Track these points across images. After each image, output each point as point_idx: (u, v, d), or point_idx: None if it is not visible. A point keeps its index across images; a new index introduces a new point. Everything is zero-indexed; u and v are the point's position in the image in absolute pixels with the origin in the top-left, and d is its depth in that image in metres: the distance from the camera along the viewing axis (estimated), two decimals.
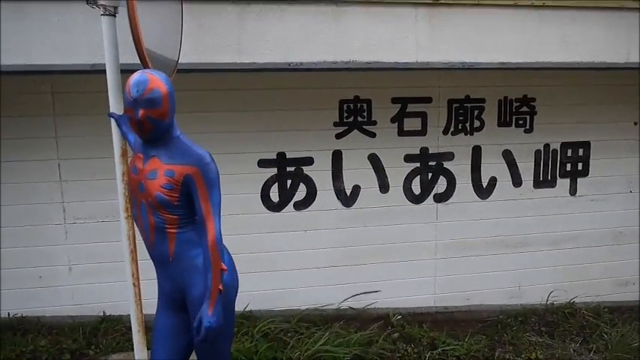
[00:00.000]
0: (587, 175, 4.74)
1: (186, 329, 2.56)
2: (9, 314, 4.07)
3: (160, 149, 2.37)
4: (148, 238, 2.45)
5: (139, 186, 2.37)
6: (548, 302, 4.75)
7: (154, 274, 3.94)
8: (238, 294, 4.23)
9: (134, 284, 3.07)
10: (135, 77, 2.26)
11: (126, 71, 2.83)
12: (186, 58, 3.17)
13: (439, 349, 3.97)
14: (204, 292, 2.38)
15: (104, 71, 2.76)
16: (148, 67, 2.58)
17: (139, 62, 2.53)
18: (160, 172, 2.33)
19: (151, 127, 2.30)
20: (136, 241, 3.06)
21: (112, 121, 2.72)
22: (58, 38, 3.06)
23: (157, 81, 2.28)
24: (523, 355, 3.96)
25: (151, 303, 3.90)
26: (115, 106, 2.81)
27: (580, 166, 4.72)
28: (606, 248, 4.92)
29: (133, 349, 3.19)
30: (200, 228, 2.37)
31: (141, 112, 2.23)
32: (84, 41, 3.04)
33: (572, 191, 4.75)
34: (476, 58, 3.62)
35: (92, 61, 3.06)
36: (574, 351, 4.07)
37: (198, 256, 2.47)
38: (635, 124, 4.72)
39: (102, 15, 2.65)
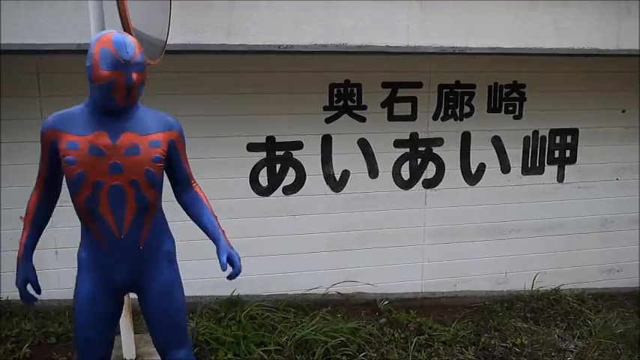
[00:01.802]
0: (575, 162, 4.76)
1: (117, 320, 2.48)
2: None
3: (130, 122, 2.17)
4: (120, 227, 2.19)
5: (112, 168, 2.12)
6: (534, 289, 4.79)
7: None
8: (226, 279, 4.25)
9: None
10: (116, 37, 2.04)
11: None
12: (175, 38, 3.13)
13: (426, 335, 3.99)
14: (219, 241, 2.52)
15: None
16: None
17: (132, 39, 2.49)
18: (143, 145, 2.17)
19: (137, 93, 2.14)
20: None
21: None
22: (44, 18, 3.00)
23: (138, 44, 2.13)
24: (508, 341, 3.99)
25: None
26: None
27: (568, 153, 4.74)
28: (592, 235, 4.95)
29: (119, 332, 3.19)
30: (187, 191, 2.54)
31: (135, 77, 2.06)
32: (70, 21, 2.99)
33: (560, 178, 4.77)
34: (467, 43, 3.61)
35: (78, 40, 3.00)
36: (558, 337, 4.11)
37: (166, 241, 2.48)
38: (624, 111, 4.74)
39: None
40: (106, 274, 2.27)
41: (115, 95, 2.07)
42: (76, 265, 2.34)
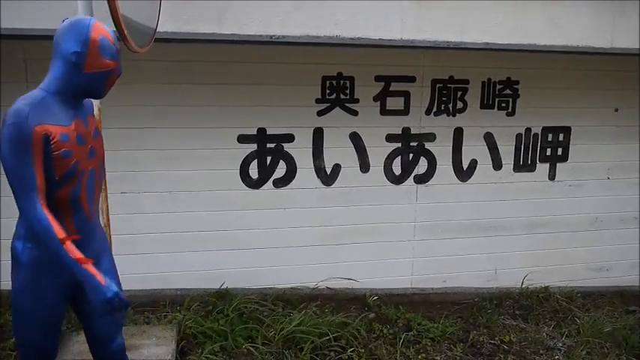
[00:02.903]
0: (567, 160, 4.75)
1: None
2: None
3: (84, 105, 2.18)
4: (91, 210, 2.16)
5: (90, 153, 2.11)
6: (524, 286, 4.78)
7: (126, 249, 3.90)
8: (215, 271, 4.22)
9: None
10: (106, 27, 2.06)
11: None
12: (165, 26, 3.08)
13: (414, 331, 3.97)
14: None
15: None
16: (125, 35, 2.49)
17: (114, 29, 2.43)
18: (97, 125, 2.23)
19: None
20: (110, 215, 3.00)
21: None
22: (31, 2, 2.93)
23: None
24: (497, 338, 3.98)
25: (124, 279, 3.84)
26: None
27: (560, 151, 4.73)
28: (582, 234, 4.95)
29: None
30: None
31: (121, 66, 2.10)
32: (58, 6, 2.92)
33: (552, 176, 4.76)
34: (461, 38, 3.59)
35: None
36: (547, 335, 4.11)
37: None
38: (616, 110, 4.73)
39: None
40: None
41: (108, 84, 2.10)
42: None
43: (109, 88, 2.13)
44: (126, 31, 2.48)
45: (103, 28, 2.04)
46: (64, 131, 1.99)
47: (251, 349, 3.56)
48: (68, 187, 2.04)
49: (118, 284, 2.35)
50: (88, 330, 2.39)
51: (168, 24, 3.10)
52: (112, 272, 2.34)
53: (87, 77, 2.03)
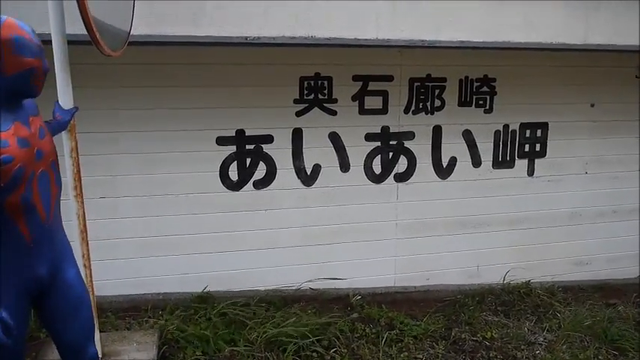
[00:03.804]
0: (545, 156, 4.80)
1: None
2: None
3: (25, 105, 2.09)
4: (47, 213, 2.10)
5: (37, 155, 2.03)
6: (505, 282, 4.82)
7: (106, 254, 3.87)
8: (197, 274, 4.20)
9: (85, 265, 2.99)
10: (21, 23, 1.97)
11: (74, 42, 2.71)
12: (139, 29, 3.06)
13: (397, 330, 3.98)
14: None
15: (50, 42, 2.64)
16: (96, 38, 2.46)
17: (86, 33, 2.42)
18: (42, 124, 2.14)
19: None
20: (86, 221, 2.97)
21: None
22: (2, 8, 2.89)
23: None
24: (479, 335, 4.01)
25: (104, 284, 3.83)
26: (62, 78, 2.69)
27: (538, 147, 4.77)
28: (562, 229, 5.00)
29: None
30: None
31: (46, 62, 2.03)
32: (28, 9, 2.88)
33: (530, 172, 4.80)
34: (436, 37, 3.60)
35: (37, 30, 2.89)
36: (528, 330, 4.14)
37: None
38: (592, 106, 4.78)
39: None
40: (27, 271, 2.10)
41: (35, 83, 2.02)
42: None
43: (41, 86, 2.06)
44: (98, 35, 2.45)
45: (16, 26, 1.94)
46: (2, 137, 1.90)
47: (234, 352, 3.55)
48: (17, 192, 1.96)
49: (84, 295, 2.35)
50: (56, 337, 2.34)
51: (142, 26, 3.08)
52: (75, 284, 2.30)
53: (9, 80, 1.93)
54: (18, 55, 1.92)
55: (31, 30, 2.00)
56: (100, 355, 3.15)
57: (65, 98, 2.70)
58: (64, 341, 2.33)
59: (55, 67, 2.65)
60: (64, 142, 2.77)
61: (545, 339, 4.02)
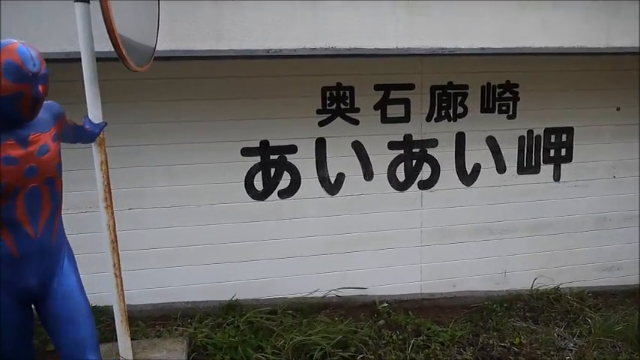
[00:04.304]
0: (571, 160, 4.76)
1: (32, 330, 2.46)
2: None
3: (31, 125, 2.17)
4: (36, 228, 2.21)
5: (28, 172, 2.13)
6: (533, 288, 4.77)
7: (136, 264, 3.97)
8: (225, 283, 4.27)
9: (116, 274, 3.08)
10: (20, 49, 2.03)
11: (102, 59, 2.83)
12: (164, 45, 3.16)
13: (424, 336, 3.98)
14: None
15: (79, 59, 2.75)
16: (123, 55, 2.57)
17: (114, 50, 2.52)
18: (49, 141, 2.22)
19: (42, 106, 2.16)
20: (117, 231, 3.06)
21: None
22: (33, 26, 3.03)
23: (41, 55, 2.12)
24: (507, 341, 3.98)
25: (134, 294, 3.93)
26: (92, 94, 2.80)
27: (564, 151, 4.74)
28: (591, 233, 4.94)
29: (116, 340, 3.20)
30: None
31: (41, 88, 2.08)
32: (59, 29, 3.02)
33: (556, 177, 4.76)
34: (456, 44, 3.62)
35: (67, 49, 3.03)
36: (558, 335, 4.10)
37: (66, 242, 2.48)
38: (618, 109, 4.73)
39: (75, 1, 2.63)
40: (16, 281, 2.22)
41: (21, 108, 2.06)
42: None
43: (28, 111, 2.10)
44: (124, 52, 2.56)
45: (12, 50, 2.01)
46: None
47: (261, 358, 3.60)
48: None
49: (82, 304, 2.41)
50: (56, 346, 2.41)
51: (166, 42, 3.18)
52: (72, 294, 2.38)
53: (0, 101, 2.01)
54: (5, 79, 1.99)
55: (30, 56, 2.05)
56: None
57: (94, 113, 2.82)
58: (61, 349, 2.38)
59: (85, 83, 2.77)
60: (94, 155, 2.88)
61: (575, 344, 3.98)
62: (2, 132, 2.08)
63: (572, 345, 3.99)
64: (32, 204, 2.18)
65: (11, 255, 2.17)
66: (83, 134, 2.75)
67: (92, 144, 2.85)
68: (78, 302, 2.40)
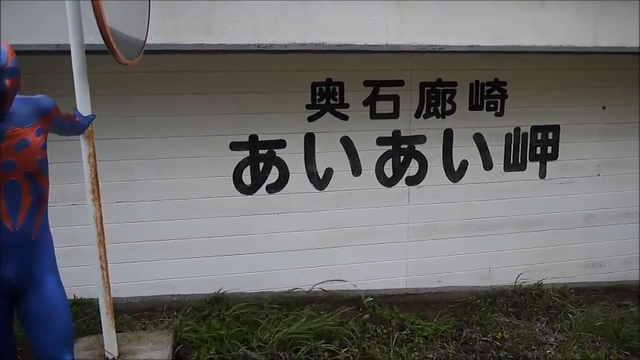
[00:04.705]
0: (557, 158, 4.81)
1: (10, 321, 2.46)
2: None
3: (10, 117, 2.17)
4: (15, 222, 2.21)
5: (5, 166, 2.14)
6: (517, 284, 4.83)
7: (123, 257, 3.97)
8: (211, 276, 4.28)
9: (102, 267, 3.09)
10: None
11: (92, 52, 2.82)
12: (154, 39, 3.16)
13: (408, 330, 4.02)
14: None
15: (69, 52, 2.74)
16: (113, 48, 2.56)
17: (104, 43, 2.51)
18: (30, 136, 2.21)
19: (12, 99, 2.12)
20: (104, 225, 3.07)
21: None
22: (22, 18, 3.01)
23: (11, 49, 2.10)
24: (489, 335, 4.04)
25: (120, 286, 3.93)
26: (81, 86, 2.79)
27: (550, 149, 4.79)
28: (575, 231, 5.01)
29: (101, 332, 3.21)
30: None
31: (8, 82, 2.04)
32: (48, 21, 3.00)
33: (542, 174, 4.82)
34: (446, 42, 3.64)
35: (57, 41, 3.02)
36: (539, 330, 4.16)
37: (50, 238, 2.46)
38: (604, 108, 4.79)
39: None
40: None
41: None
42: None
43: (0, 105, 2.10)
44: (114, 45, 2.55)
45: None
46: None
47: (247, 352, 3.62)
48: None
49: (60, 303, 2.40)
50: (30, 343, 2.40)
51: (157, 36, 3.17)
52: (50, 292, 2.37)
53: None
54: None
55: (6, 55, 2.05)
56: (116, 355, 3.26)
57: (83, 106, 2.81)
58: (36, 348, 2.38)
59: (74, 76, 2.76)
60: (82, 147, 2.88)
61: (556, 339, 4.04)
62: None
63: (552, 340, 4.05)
64: (10, 198, 2.18)
65: None
66: (73, 127, 2.73)
67: (80, 136, 2.85)
68: (56, 301, 2.38)
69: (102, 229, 3.03)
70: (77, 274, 4.04)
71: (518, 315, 4.39)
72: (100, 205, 2.99)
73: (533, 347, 3.92)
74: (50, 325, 2.36)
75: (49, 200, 2.37)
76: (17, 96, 2.21)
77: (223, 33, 3.28)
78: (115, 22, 2.56)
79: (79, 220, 3.86)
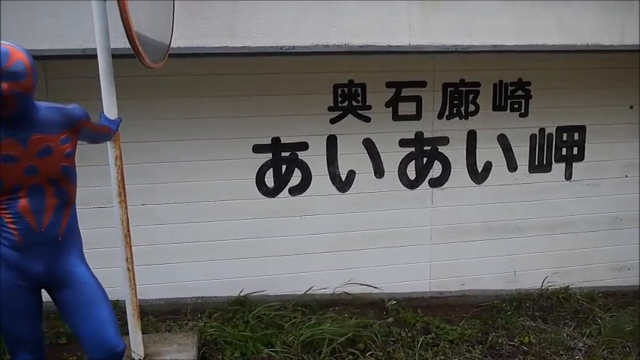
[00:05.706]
0: (583, 159, 4.74)
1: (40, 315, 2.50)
2: None
3: (36, 124, 2.20)
4: (40, 223, 2.25)
5: (28, 170, 2.19)
6: (543, 287, 4.76)
7: (148, 259, 4.00)
8: (235, 279, 4.29)
9: (128, 269, 3.11)
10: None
11: (118, 56, 2.85)
12: (178, 42, 3.18)
13: (432, 334, 3.99)
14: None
15: (95, 56, 2.78)
16: (139, 51, 2.59)
17: (130, 47, 2.54)
18: (54, 144, 2.24)
19: (16, 103, 2.09)
20: (130, 226, 3.09)
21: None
22: (49, 23, 3.06)
23: (18, 52, 2.08)
24: (516, 340, 3.99)
25: (145, 288, 3.95)
26: (108, 90, 2.82)
27: (575, 150, 4.72)
28: (602, 233, 4.92)
29: (128, 333, 3.23)
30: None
31: (4, 86, 2.02)
32: (75, 26, 3.05)
33: (568, 176, 4.75)
34: (469, 42, 3.62)
35: (84, 45, 3.06)
36: (567, 335, 4.09)
37: (79, 241, 2.50)
38: (631, 107, 4.70)
39: None
40: (22, 266, 2.28)
41: None
42: None
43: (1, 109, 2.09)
44: (140, 48, 2.58)
45: None
46: None
47: (271, 354, 3.62)
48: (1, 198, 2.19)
49: (99, 289, 2.44)
50: (77, 333, 2.45)
51: (181, 39, 3.20)
52: (86, 280, 2.42)
53: None
54: None
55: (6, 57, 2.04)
56: (142, 356, 3.28)
57: (110, 109, 2.84)
58: (84, 336, 2.41)
59: (101, 80, 2.79)
60: (109, 150, 2.91)
61: (584, 344, 3.97)
62: (3, 131, 2.13)
63: (581, 345, 3.99)
64: (34, 200, 2.24)
65: (16, 242, 2.24)
66: (106, 136, 2.79)
67: None
68: (94, 287, 2.43)
69: (128, 231, 3.06)
70: (102, 276, 4.09)
71: (545, 319, 4.33)
72: (126, 208, 3.02)
73: (561, 352, 3.87)
74: (95, 308, 2.40)
75: (64, 200, 2.35)
76: (48, 104, 2.29)
77: (246, 35, 3.29)
78: (141, 26, 2.59)
79: (104, 222, 3.89)
